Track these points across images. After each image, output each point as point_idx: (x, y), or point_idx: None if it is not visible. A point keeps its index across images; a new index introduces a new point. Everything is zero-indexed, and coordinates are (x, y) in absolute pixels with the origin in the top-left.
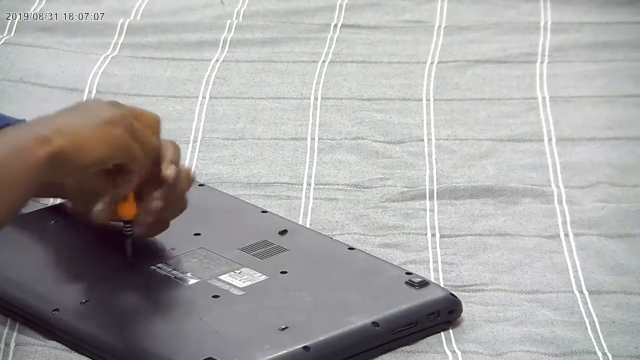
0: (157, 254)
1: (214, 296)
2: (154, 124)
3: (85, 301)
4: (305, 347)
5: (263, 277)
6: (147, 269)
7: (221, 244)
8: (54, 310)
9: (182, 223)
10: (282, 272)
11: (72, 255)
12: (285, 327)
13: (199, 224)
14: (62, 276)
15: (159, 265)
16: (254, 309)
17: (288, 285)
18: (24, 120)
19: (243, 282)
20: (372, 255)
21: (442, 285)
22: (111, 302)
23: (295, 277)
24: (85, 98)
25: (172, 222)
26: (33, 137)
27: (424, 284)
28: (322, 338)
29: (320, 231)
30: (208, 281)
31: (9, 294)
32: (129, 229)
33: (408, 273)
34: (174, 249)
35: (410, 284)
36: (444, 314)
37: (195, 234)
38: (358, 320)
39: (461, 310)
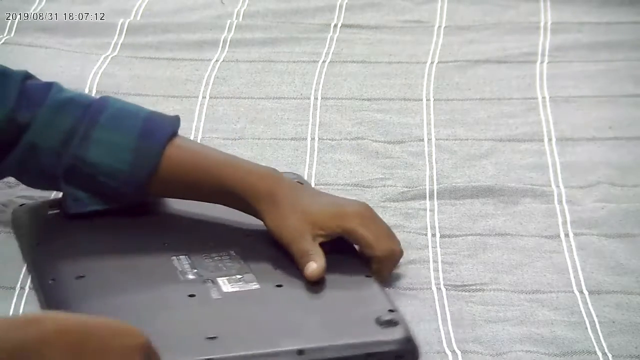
0: (191, 245)
1: (189, 295)
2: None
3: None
4: None
5: (256, 287)
6: (168, 258)
7: (252, 252)
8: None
9: (232, 224)
10: (278, 286)
11: (70, 241)
12: (215, 337)
13: (243, 227)
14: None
15: (181, 257)
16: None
17: (275, 298)
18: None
19: (232, 287)
20: (381, 287)
21: (442, 284)
22: (105, 279)
23: (286, 291)
24: None
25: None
26: None
27: (392, 323)
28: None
29: None
30: (205, 280)
31: None
32: None
33: (391, 310)
34: (212, 245)
35: (378, 321)
36: (388, 358)
37: (233, 239)
38: (286, 345)
39: (417, 358)
